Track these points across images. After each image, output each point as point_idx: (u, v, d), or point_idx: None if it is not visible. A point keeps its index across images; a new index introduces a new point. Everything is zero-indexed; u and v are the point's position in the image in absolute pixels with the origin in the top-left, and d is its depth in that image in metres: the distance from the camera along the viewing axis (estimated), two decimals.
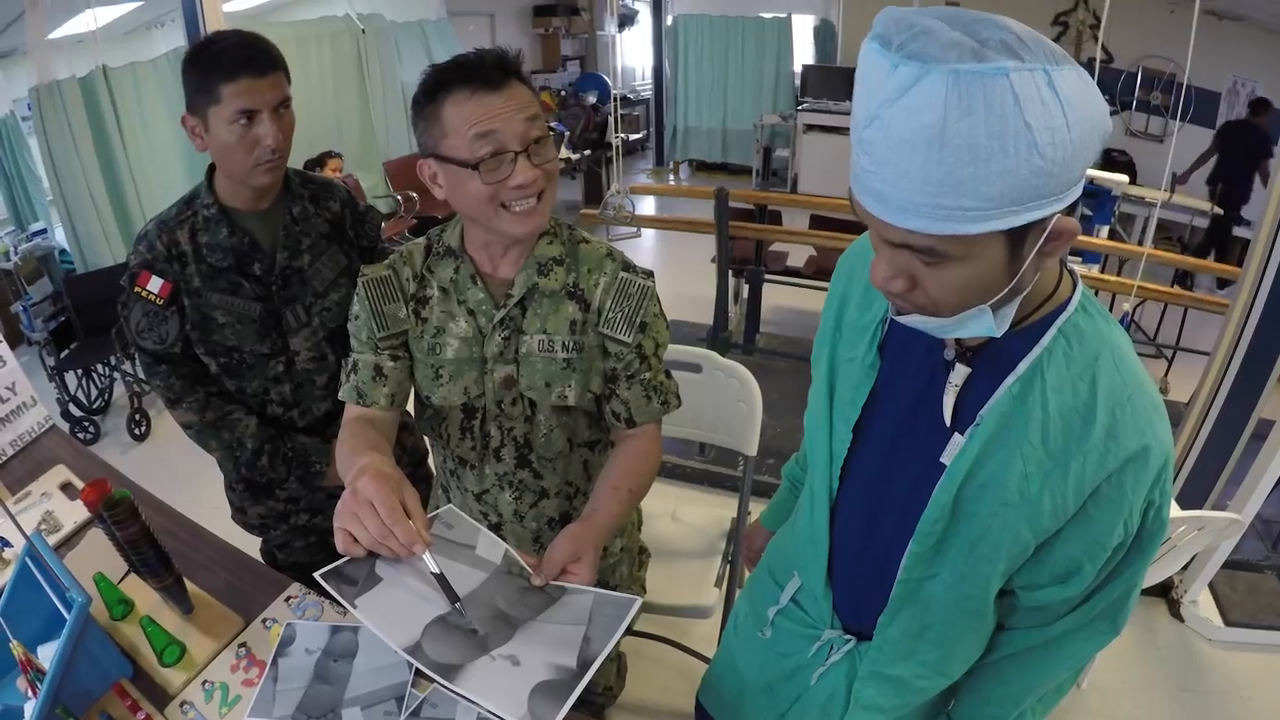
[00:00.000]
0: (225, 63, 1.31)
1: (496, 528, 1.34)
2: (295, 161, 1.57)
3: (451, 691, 0.82)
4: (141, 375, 3.74)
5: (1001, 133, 0.58)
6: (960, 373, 0.83)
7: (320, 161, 4.96)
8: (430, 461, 1.69)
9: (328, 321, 1.58)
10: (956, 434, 0.84)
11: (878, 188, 0.65)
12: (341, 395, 1.24)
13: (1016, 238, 0.65)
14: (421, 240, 1.23)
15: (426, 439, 1.44)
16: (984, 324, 0.72)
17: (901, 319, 0.77)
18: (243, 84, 1.31)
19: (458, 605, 0.89)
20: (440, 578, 0.90)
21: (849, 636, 1.04)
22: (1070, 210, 0.67)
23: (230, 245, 1.46)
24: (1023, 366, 0.79)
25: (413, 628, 0.87)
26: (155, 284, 1.44)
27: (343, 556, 0.95)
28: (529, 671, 0.84)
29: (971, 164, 0.59)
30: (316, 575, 0.92)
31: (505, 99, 1.03)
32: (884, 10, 0.64)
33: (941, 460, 0.85)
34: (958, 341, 0.83)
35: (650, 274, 1.21)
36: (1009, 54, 0.58)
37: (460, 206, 1.10)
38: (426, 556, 0.90)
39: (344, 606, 0.88)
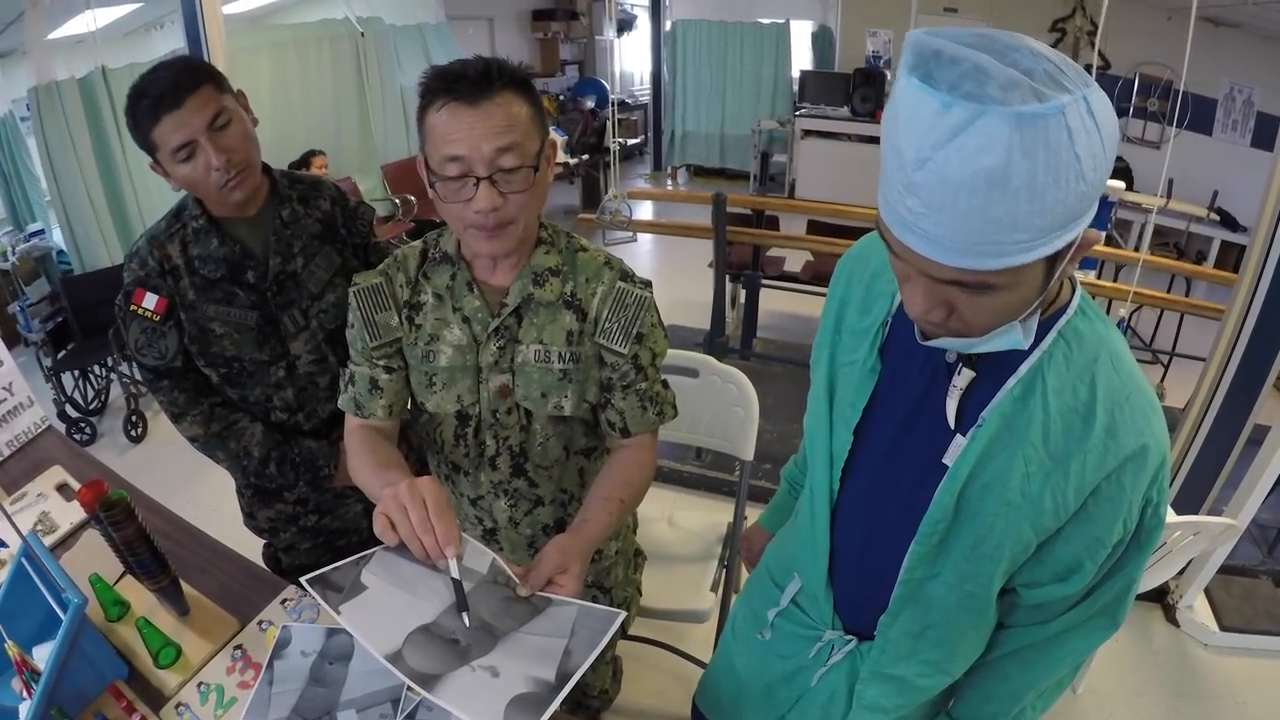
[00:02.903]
0: (144, 110, 1.29)
1: (491, 533, 1.34)
2: (281, 164, 1.55)
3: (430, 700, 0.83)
4: (139, 377, 3.74)
5: (1056, 168, 0.59)
6: (965, 376, 0.84)
7: (305, 162, 4.98)
8: None
9: (326, 323, 1.56)
10: (958, 435, 0.85)
11: (928, 230, 0.64)
12: (341, 405, 1.24)
13: (1055, 257, 0.66)
14: (418, 244, 1.22)
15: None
16: (1013, 338, 0.73)
17: (930, 342, 0.77)
18: (165, 123, 1.29)
19: (465, 615, 0.89)
20: (459, 585, 0.91)
21: (850, 637, 1.05)
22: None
23: (222, 255, 1.44)
24: (1024, 369, 0.80)
25: (395, 636, 0.87)
26: (150, 300, 1.42)
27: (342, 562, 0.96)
28: (508, 683, 0.84)
29: (1029, 201, 0.60)
30: (302, 580, 0.93)
31: (481, 116, 0.99)
32: (910, 37, 0.63)
33: (944, 461, 0.86)
34: None
35: (648, 284, 1.20)
36: (1058, 87, 0.58)
37: (438, 211, 1.09)
38: (452, 563, 0.92)
39: (329, 612, 0.89)
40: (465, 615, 0.89)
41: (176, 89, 1.29)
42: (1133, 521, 0.81)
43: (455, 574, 0.91)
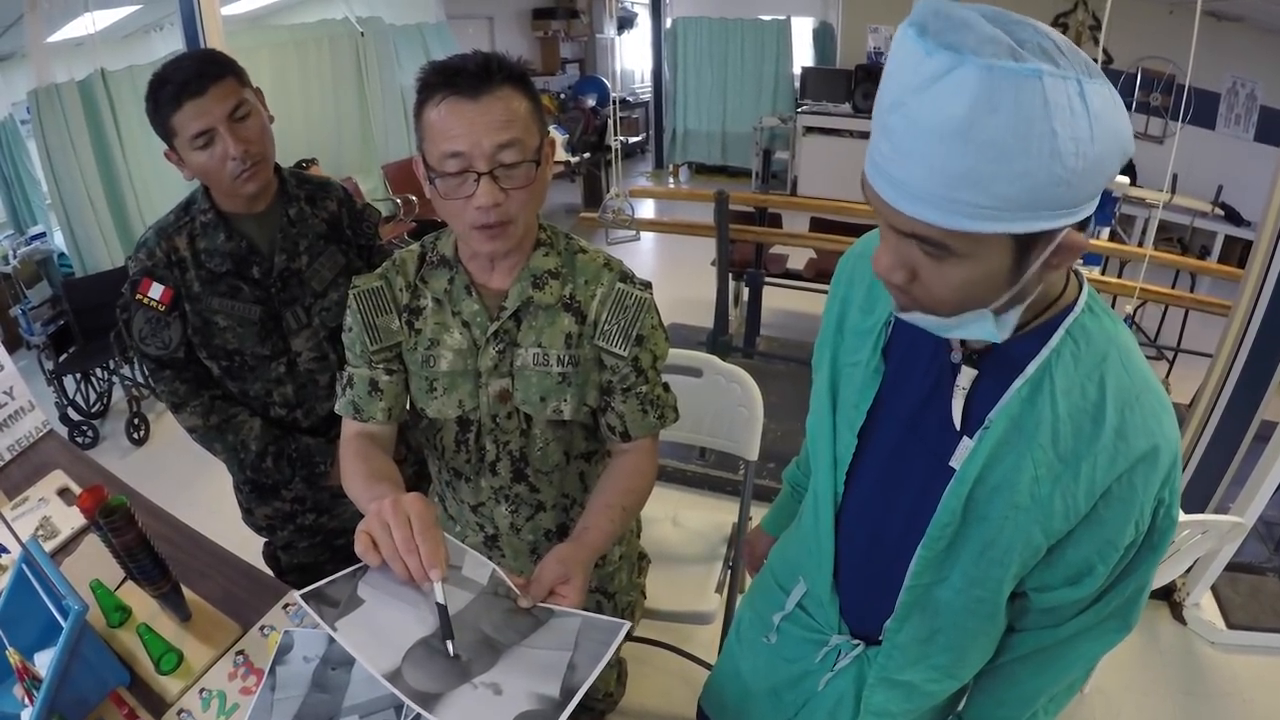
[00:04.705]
0: (167, 96, 1.32)
1: (493, 539, 1.33)
2: (283, 165, 1.57)
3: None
4: (140, 379, 3.75)
5: (1026, 134, 0.58)
6: (967, 375, 0.82)
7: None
8: None
9: (328, 321, 1.58)
10: (965, 437, 0.84)
11: (894, 174, 0.65)
12: (338, 409, 1.22)
13: (1023, 245, 0.65)
14: (415, 247, 1.21)
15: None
16: (985, 328, 0.72)
17: (904, 315, 0.77)
18: (187, 109, 1.32)
19: (450, 643, 0.86)
20: (443, 610, 0.87)
21: (856, 641, 1.04)
22: (1081, 226, 0.67)
23: (228, 250, 1.47)
24: (1031, 368, 0.78)
25: (394, 653, 0.84)
26: (156, 290, 1.45)
27: (340, 561, 0.94)
28: (511, 701, 0.81)
29: (992, 161, 0.59)
30: (297, 595, 0.90)
31: (481, 111, 0.98)
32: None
33: (950, 464, 0.85)
34: (963, 344, 0.83)
35: (648, 285, 1.19)
36: (1045, 58, 0.58)
37: (437, 210, 1.08)
38: (437, 586, 0.88)
39: (325, 629, 0.86)
40: (450, 644, 0.85)
41: (201, 77, 1.32)
42: (1144, 523, 0.80)
43: (440, 598, 0.87)
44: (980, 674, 1.01)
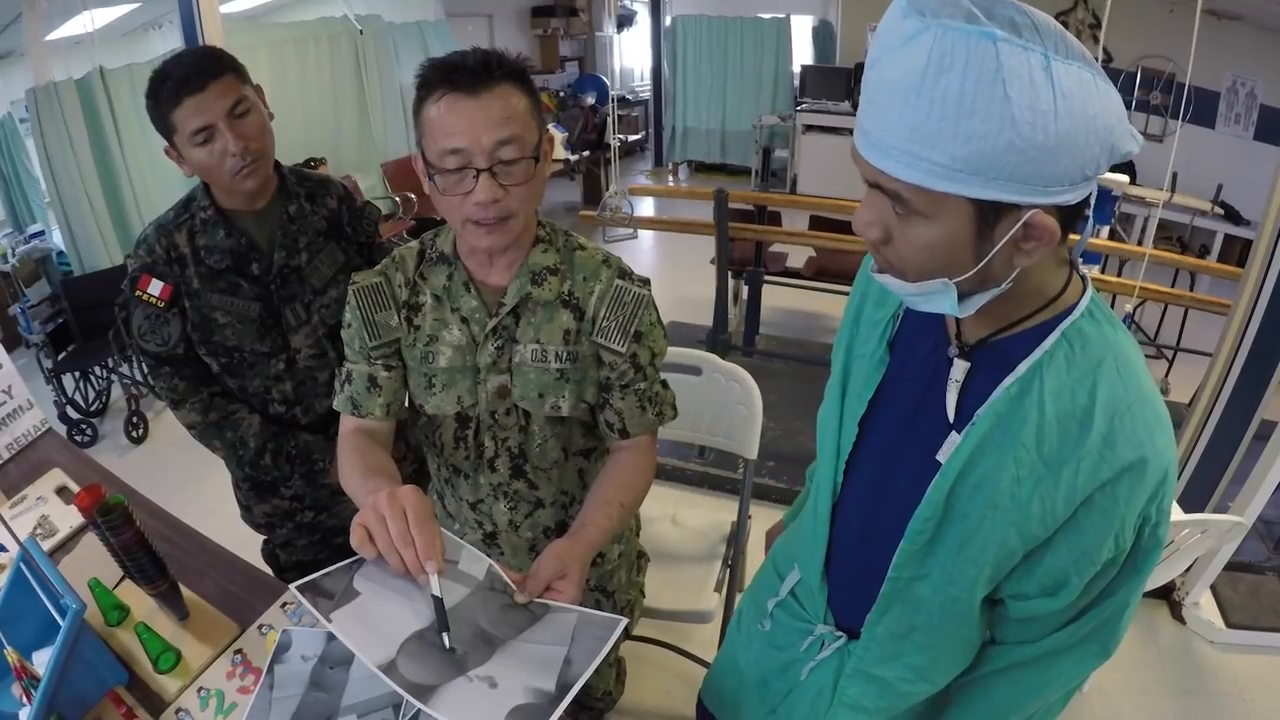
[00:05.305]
0: (167, 92, 1.32)
1: (492, 537, 1.33)
2: (282, 163, 1.57)
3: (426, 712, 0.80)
4: (140, 378, 3.75)
5: (976, 95, 0.60)
6: (960, 368, 0.82)
7: (307, 167, 4.95)
8: None
9: (327, 319, 1.58)
10: (954, 432, 0.84)
11: (866, 126, 0.68)
12: (336, 405, 1.22)
13: (986, 216, 0.66)
14: (415, 244, 1.21)
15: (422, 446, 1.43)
16: (946, 302, 0.73)
17: (878, 277, 0.78)
18: (187, 106, 1.32)
19: (445, 635, 0.86)
20: (439, 603, 0.87)
21: (840, 633, 1.04)
22: (1068, 219, 0.67)
23: (228, 247, 1.47)
24: (1022, 368, 0.78)
25: (389, 645, 0.84)
26: (156, 287, 1.45)
27: (340, 560, 0.94)
28: (506, 694, 0.81)
29: (944, 119, 0.62)
30: (292, 587, 0.90)
31: (480, 107, 0.98)
32: None
33: (938, 458, 0.85)
34: (959, 337, 0.83)
35: (647, 282, 1.19)
36: (1009, 29, 0.60)
37: (436, 206, 1.08)
38: (433, 579, 0.88)
39: (320, 620, 0.86)
40: (446, 636, 0.85)
41: (201, 74, 1.32)
42: (1126, 540, 0.77)
43: (436, 590, 0.87)
44: (958, 685, 1.00)
